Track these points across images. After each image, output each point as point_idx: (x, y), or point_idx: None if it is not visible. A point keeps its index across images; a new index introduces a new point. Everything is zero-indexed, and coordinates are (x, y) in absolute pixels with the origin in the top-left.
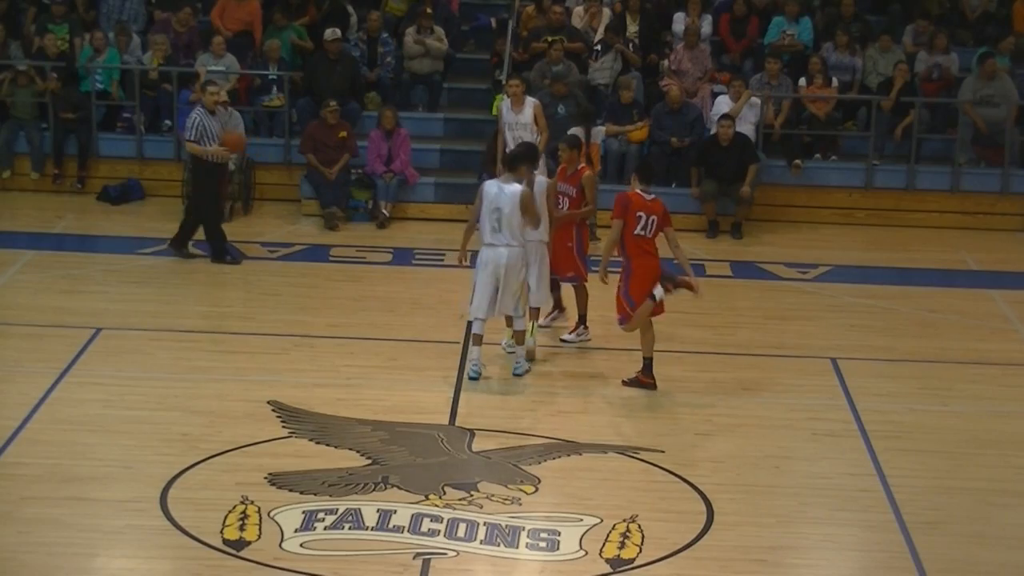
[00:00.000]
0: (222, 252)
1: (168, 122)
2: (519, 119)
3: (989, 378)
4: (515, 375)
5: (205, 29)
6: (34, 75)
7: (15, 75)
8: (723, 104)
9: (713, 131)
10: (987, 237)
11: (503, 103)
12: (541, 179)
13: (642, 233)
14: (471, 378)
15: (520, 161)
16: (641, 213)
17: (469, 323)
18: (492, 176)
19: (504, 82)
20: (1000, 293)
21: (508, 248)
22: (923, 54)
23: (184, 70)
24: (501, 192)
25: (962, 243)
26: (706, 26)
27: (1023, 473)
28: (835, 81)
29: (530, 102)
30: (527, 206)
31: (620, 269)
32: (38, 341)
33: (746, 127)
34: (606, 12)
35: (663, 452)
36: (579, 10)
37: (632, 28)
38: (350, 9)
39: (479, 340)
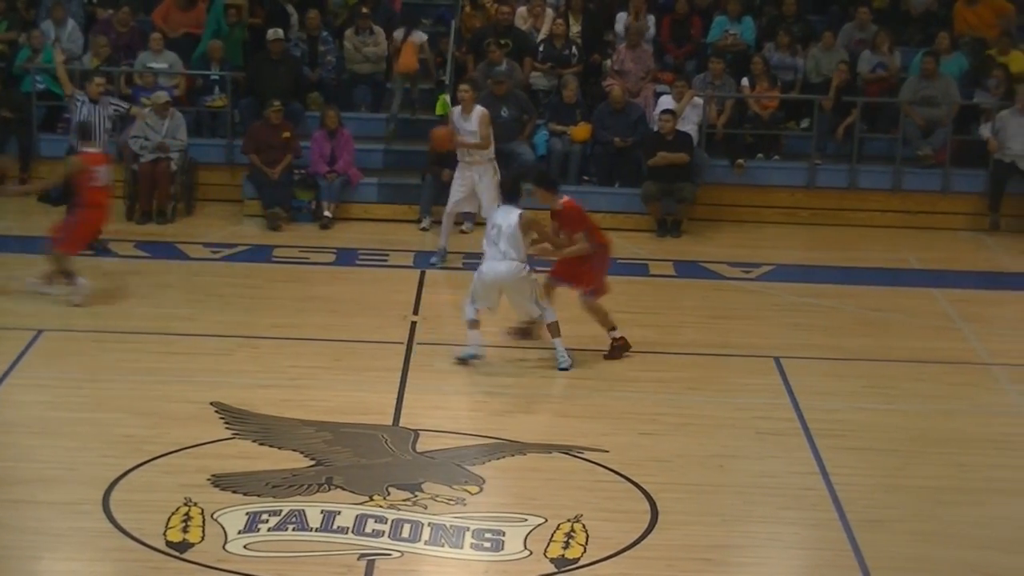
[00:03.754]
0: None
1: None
2: (466, 125)
3: (933, 376)
4: (561, 369)
5: (145, 29)
6: None
7: None
8: (666, 103)
9: (656, 129)
10: (929, 236)
11: (454, 108)
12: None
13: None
14: (469, 358)
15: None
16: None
17: (413, 324)
18: (436, 176)
19: (445, 84)
20: (943, 292)
21: (507, 262)
22: (867, 53)
23: (125, 70)
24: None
25: (904, 242)
26: (648, 26)
27: (967, 471)
28: (778, 81)
29: (478, 111)
30: (527, 229)
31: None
32: None
33: (689, 127)
34: (549, 13)
35: (607, 452)
36: (522, 11)
37: (575, 28)
38: (290, 9)
39: (476, 324)
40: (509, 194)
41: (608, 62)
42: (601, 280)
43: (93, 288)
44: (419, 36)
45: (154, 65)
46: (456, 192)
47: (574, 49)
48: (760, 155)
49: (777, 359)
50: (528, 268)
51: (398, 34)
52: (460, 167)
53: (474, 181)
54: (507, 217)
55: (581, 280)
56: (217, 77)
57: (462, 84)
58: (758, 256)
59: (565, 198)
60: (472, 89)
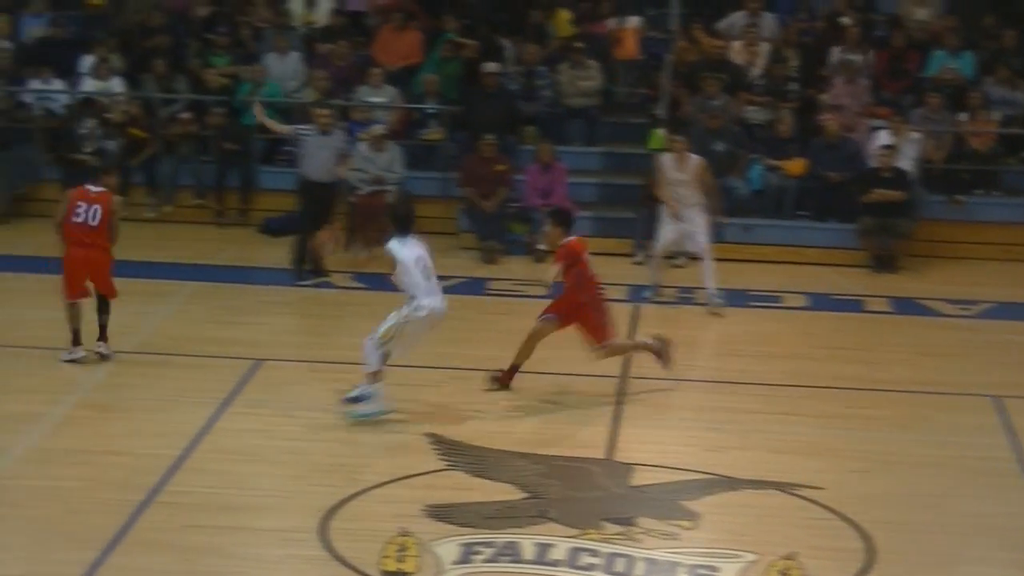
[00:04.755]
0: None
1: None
2: (678, 175)
3: None
4: (347, 400)
5: (364, 63)
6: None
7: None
8: (883, 138)
9: (872, 164)
10: None
11: (665, 156)
12: None
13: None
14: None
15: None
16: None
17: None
18: (650, 210)
19: (659, 118)
20: None
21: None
22: None
23: (344, 104)
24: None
25: None
26: (864, 60)
27: None
28: (997, 115)
29: (694, 160)
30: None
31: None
32: (200, 371)
33: (906, 162)
34: (764, 46)
35: (822, 489)
36: (737, 44)
37: (790, 62)
38: (505, 43)
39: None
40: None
41: (824, 96)
42: (605, 330)
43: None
44: (634, 20)
45: (373, 99)
46: (668, 233)
47: (789, 83)
48: (979, 191)
49: (995, 398)
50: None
51: (612, 23)
52: (670, 210)
53: (686, 222)
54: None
55: (587, 332)
56: (433, 111)
57: (676, 137)
58: (976, 293)
59: (572, 238)
60: (686, 141)
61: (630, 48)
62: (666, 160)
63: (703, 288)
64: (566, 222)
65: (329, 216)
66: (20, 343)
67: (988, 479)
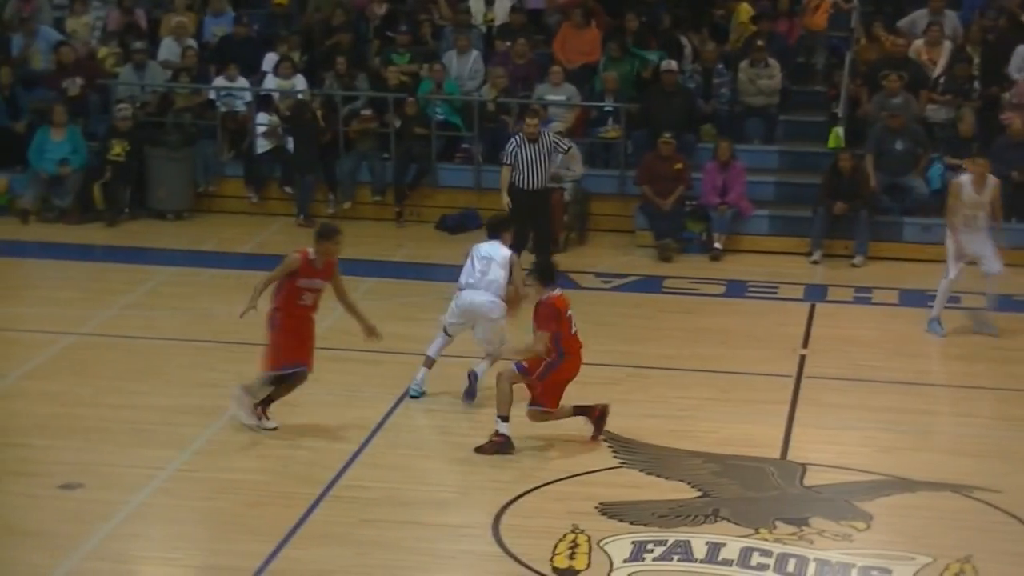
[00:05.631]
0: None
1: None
2: (979, 197)
3: None
4: (412, 396)
5: (543, 61)
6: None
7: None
8: None
9: None
10: None
11: (963, 178)
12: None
13: (575, 331)
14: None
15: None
16: (570, 313)
17: (802, 357)
18: (828, 209)
19: (839, 117)
20: None
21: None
22: None
23: (522, 102)
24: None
25: None
26: None
27: None
28: None
29: (992, 181)
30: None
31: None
32: (378, 367)
33: None
34: (947, 44)
35: (1000, 492)
36: (918, 43)
37: (973, 61)
38: (684, 40)
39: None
40: (497, 229)
41: (1007, 95)
42: (552, 396)
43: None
44: None
45: (552, 97)
46: (954, 272)
47: (972, 82)
48: None
49: None
50: (502, 308)
51: None
52: (963, 232)
53: (978, 240)
54: (499, 251)
55: (534, 387)
56: (611, 108)
57: (979, 157)
58: None
59: (553, 293)
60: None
61: (820, 19)
62: (963, 182)
63: (982, 308)
64: (549, 277)
65: (545, 223)
66: (206, 337)
67: None
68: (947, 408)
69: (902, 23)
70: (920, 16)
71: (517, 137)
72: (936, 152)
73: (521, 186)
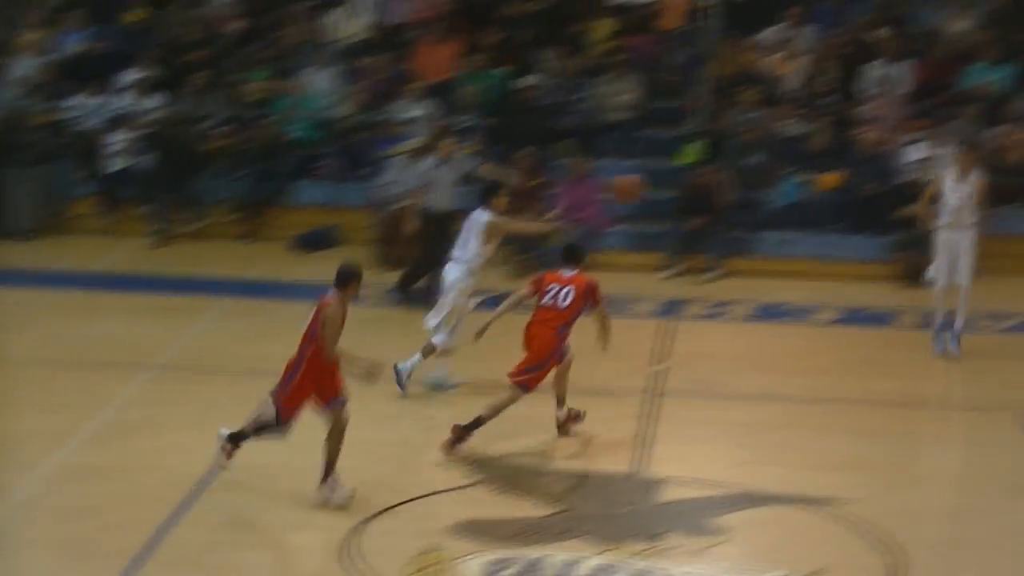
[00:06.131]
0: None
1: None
2: (961, 190)
3: None
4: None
5: (402, 77)
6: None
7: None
8: (918, 151)
9: (907, 178)
10: None
11: (947, 171)
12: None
13: (550, 303)
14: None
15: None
16: (554, 285)
17: (657, 372)
18: (684, 225)
19: (692, 138)
20: None
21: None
22: None
23: (380, 118)
24: None
25: None
26: (901, 73)
27: None
28: None
29: (976, 176)
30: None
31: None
32: (234, 387)
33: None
34: (802, 60)
35: (852, 505)
36: (774, 57)
37: (828, 75)
38: (543, 56)
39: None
40: (484, 197)
41: (860, 110)
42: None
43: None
44: None
45: (409, 113)
46: (943, 261)
47: (827, 96)
48: (1014, 203)
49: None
50: (469, 279)
51: None
52: (943, 231)
53: (958, 245)
54: (480, 217)
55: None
56: (470, 124)
57: (963, 147)
58: (1009, 307)
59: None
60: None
61: (674, 20)
62: (946, 174)
63: (950, 327)
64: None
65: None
66: (55, 358)
67: (1018, 495)
68: (801, 422)
69: (759, 37)
70: (776, 31)
71: (432, 159)
72: (791, 166)
73: (433, 207)
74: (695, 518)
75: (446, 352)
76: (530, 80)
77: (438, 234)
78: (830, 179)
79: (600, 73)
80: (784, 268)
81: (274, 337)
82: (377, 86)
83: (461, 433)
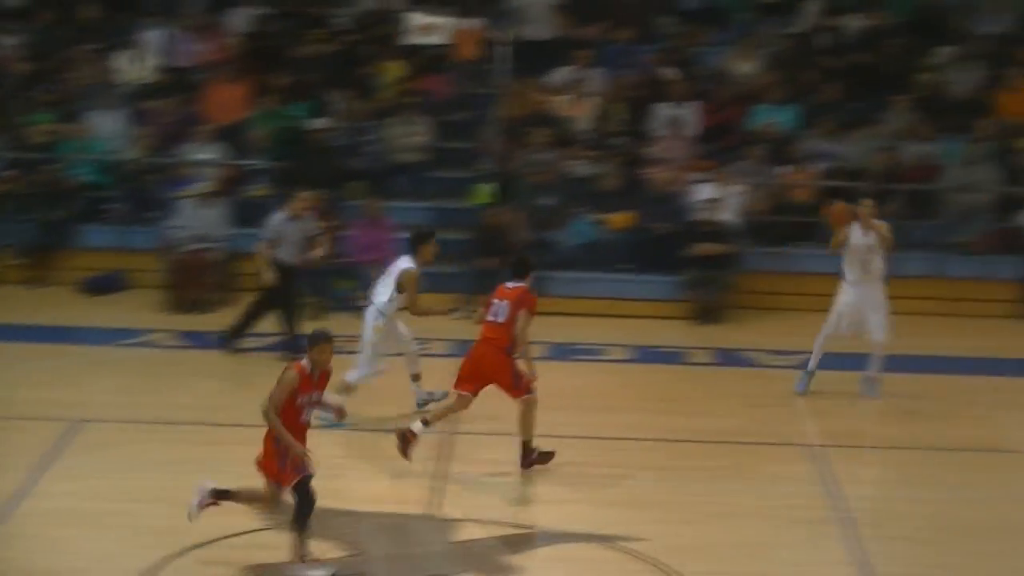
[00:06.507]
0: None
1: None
2: (866, 241)
3: (970, 465)
4: None
5: (191, 119)
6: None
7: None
8: (706, 191)
9: (696, 217)
10: (969, 324)
11: (855, 224)
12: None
13: (491, 319)
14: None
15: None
16: (495, 300)
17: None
18: (477, 266)
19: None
20: (982, 380)
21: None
22: (907, 141)
23: (169, 160)
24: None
25: (945, 329)
26: (689, 114)
27: (1001, 559)
28: (817, 168)
29: (880, 223)
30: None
31: None
32: (17, 434)
33: (729, 214)
34: (592, 101)
35: (646, 541)
36: (563, 98)
37: (616, 116)
38: (333, 97)
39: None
40: (413, 244)
41: (649, 150)
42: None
43: None
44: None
45: (199, 156)
46: (846, 310)
47: (616, 137)
48: (800, 242)
49: (809, 447)
50: (381, 319)
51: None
52: (848, 285)
53: (864, 299)
54: (401, 263)
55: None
56: (260, 166)
57: (867, 200)
58: (796, 344)
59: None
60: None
61: (470, 49)
62: (855, 226)
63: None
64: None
65: (293, 296)
66: None
67: (807, 528)
68: (595, 460)
69: (548, 79)
70: (566, 72)
71: (280, 213)
72: (583, 207)
73: (283, 260)
74: (488, 557)
75: (350, 389)
76: (321, 122)
77: (283, 287)
78: (621, 219)
79: (391, 115)
80: (576, 308)
81: (60, 382)
82: (166, 129)
83: None
